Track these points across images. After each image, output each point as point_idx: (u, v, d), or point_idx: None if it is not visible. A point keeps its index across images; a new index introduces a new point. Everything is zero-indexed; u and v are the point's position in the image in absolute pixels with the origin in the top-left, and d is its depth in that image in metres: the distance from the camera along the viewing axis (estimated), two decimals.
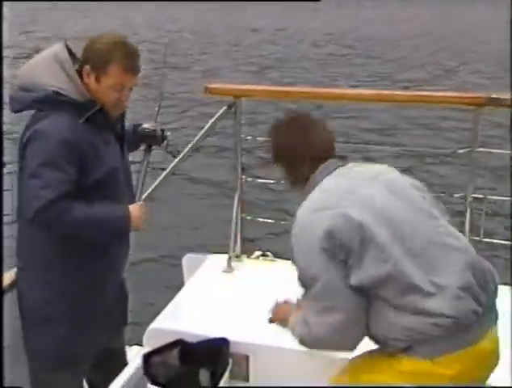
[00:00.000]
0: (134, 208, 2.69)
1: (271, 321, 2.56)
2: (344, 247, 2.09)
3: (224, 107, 3.58)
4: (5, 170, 3.45)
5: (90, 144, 2.56)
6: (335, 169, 2.30)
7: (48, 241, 2.64)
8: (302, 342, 2.29)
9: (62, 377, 2.75)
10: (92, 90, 2.59)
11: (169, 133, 3.06)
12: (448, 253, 2.14)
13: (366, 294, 2.11)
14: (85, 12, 34.23)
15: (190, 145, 3.52)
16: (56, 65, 2.57)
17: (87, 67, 2.58)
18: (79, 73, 2.60)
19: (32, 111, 2.61)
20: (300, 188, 2.38)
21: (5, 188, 2.91)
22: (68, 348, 2.73)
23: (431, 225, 2.19)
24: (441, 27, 26.16)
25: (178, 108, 13.04)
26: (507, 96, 2.95)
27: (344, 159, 2.36)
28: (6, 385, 1.95)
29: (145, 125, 3.02)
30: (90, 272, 2.71)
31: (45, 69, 2.58)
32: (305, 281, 2.19)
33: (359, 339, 2.18)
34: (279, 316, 2.50)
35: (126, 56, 2.59)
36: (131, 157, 2.97)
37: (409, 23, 26.80)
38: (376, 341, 2.21)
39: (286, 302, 2.52)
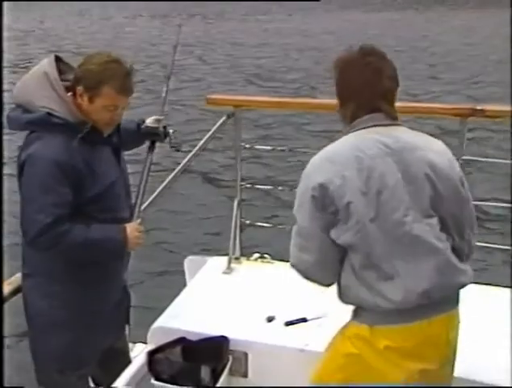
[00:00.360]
0: (131, 229, 2.64)
1: None
2: (333, 204, 2.09)
3: (224, 117, 3.57)
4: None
5: (84, 163, 2.51)
6: (373, 126, 2.18)
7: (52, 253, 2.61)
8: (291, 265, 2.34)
9: (68, 380, 2.73)
10: (85, 110, 2.54)
11: (171, 130, 3.01)
12: (425, 249, 2.12)
13: (342, 249, 2.15)
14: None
15: (191, 154, 3.51)
16: (47, 84, 2.52)
17: (80, 88, 2.51)
18: (71, 89, 2.55)
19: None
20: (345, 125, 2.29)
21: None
22: (72, 352, 2.70)
23: (423, 222, 2.12)
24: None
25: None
26: (491, 108, 2.99)
27: (391, 117, 2.21)
28: (6, 385, 1.92)
29: (148, 121, 2.96)
30: (92, 279, 2.68)
31: (37, 88, 2.53)
32: (296, 215, 2.21)
33: (330, 282, 2.25)
34: None
35: (119, 77, 2.51)
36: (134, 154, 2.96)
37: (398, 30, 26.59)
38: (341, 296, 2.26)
39: None
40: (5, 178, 3.36)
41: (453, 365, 2.27)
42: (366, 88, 2.19)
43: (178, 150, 3.03)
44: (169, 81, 3.05)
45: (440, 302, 2.14)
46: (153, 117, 2.98)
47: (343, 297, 2.24)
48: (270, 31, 26.77)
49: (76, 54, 16.45)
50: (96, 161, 2.58)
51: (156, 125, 2.95)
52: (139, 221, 2.73)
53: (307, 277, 2.30)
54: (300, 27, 28.09)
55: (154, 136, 2.96)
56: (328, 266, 2.21)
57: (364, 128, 2.18)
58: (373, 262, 2.09)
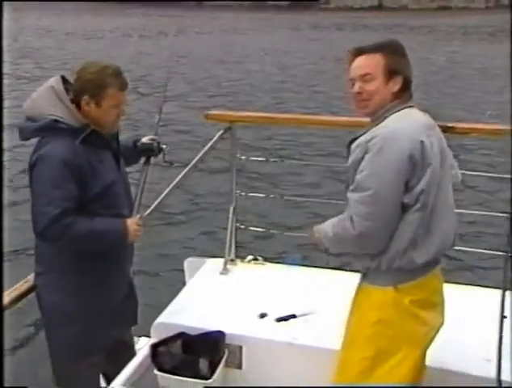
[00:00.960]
0: (131, 222, 2.69)
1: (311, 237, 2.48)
2: (414, 170, 2.15)
3: (221, 131, 3.58)
4: None
5: (87, 163, 2.58)
6: (407, 107, 2.29)
7: (62, 249, 2.66)
8: (333, 241, 2.32)
9: (80, 367, 2.75)
10: (94, 116, 2.63)
11: (164, 146, 3.07)
12: (451, 212, 2.33)
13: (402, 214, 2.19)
14: None
15: (191, 165, 3.48)
16: (54, 96, 2.60)
17: (86, 98, 2.60)
18: (75, 101, 2.63)
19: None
20: (377, 109, 2.30)
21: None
22: (83, 341, 2.73)
23: (450, 187, 2.34)
24: None
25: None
26: (460, 125, 3.06)
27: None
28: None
29: (143, 140, 3.04)
30: (100, 274, 2.73)
31: (45, 100, 2.61)
32: (363, 184, 2.17)
33: (383, 248, 2.23)
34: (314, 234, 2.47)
35: (116, 77, 2.63)
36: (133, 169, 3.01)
37: None
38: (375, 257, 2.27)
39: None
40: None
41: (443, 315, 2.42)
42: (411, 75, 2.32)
43: (171, 164, 3.11)
44: (162, 109, 3.18)
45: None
46: (148, 137, 3.08)
47: (381, 260, 2.24)
48: None
49: None
50: (98, 162, 2.64)
51: (151, 142, 3.04)
52: (138, 216, 2.78)
53: (365, 245, 2.24)
54: None
55: (149, 151, 3.04)
56: (389, 232, 2.20)
57: (405, 107, 2.28)
58: (427, 222, 2.21)
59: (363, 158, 2.19)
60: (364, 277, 2.38)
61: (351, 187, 2.23)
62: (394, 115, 2.27)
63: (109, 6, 48.01)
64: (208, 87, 17.82)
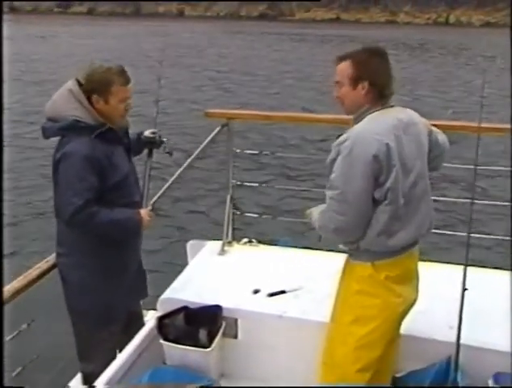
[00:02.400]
0: (144, 212, 2.75)
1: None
2: (382, 169, 2.13)
3: (219, 127, 3.56)
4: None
5: (105, 157, 2.61)
6: (385, 108, 2.25)
7: (81, 233, 2.67)
8: (319, 228, 2.30)
9: (101, 335, 2.76)
10: (104, 112, 2.63)
11: (165, 139, 3.07)
12: (426, 201, 2.31)
13: (374, 206, 2.18)
14: None
15: (191, 157, 3.48)
16: (72, 98, 2.60)
17: (95, 96, 2.60)
18: (89, 100, 2.63)
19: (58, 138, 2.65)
20: (352, 110, 2.28)
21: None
22: (103, 312, 2.75)
23: (425, 178, 2.31)
24: None
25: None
26: (443, 123, 3.00)
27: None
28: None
29: (146, 133, 3.03)
30: (115, 253, 2.74)
31: (65, 102, 2.61)
32: (334, 183, 2.18)
33: (360, 236, 2.23)
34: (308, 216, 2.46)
35: (119, 74, 2.62)
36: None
37: None
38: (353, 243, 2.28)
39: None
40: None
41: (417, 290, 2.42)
42: (391, 80, 2.28)
43: (170, 155, 3.10)
44: (158, 104, 3.19)
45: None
46: (150, 130, 3.07)
47: (360, 244, 2.24)
48: None
49: None
50: (114, 156, 2.66)
51: (152, 135, 3.03)
52: (150, 207, 2.84)
53: (342, 235, 2.26)
54: None
55: (152, 144, 3.04)
56: (363, 223, 2.20)
57: (382, 109, 2.24)
58: (397, 213, 2.20)
59: (335, 159, 2.19)
60: (349, 254, 2.39)
61: (327, 185, 2.23)
62: (368, 116, 2.23)
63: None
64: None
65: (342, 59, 2.28)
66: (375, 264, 2.26)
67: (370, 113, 2.24)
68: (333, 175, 2.19)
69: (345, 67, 2.26)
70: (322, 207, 2.30)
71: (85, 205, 2.52)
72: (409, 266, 2.37)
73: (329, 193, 2.21)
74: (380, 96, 2.25)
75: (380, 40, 30.52)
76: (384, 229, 2.21)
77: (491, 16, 54.90)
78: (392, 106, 2.29)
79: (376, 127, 2.18)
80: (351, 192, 2.15)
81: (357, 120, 2.25)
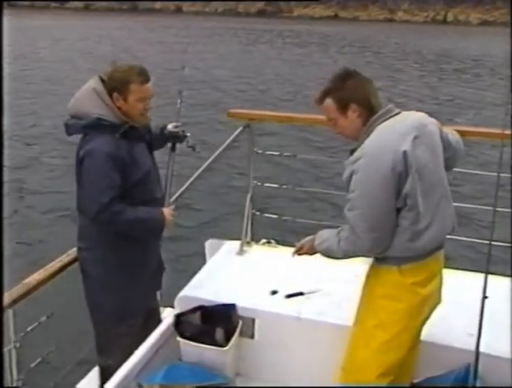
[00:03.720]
0: (167, 211, 2.76)
1: (299, 253, 2.49)
2: (400, 179, 2.12)
3: (241, 128, 3.57)
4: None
5: (128, 154, 2.63)
6: (390, 117, 2.24)
7: (103, 228, 2.68)
8: (352, 251, 2.26)
9: (120, 330, 2.79)
10: (124, 110, 2.66)
11: (188, 134, 3.09)
12: (448, 203, 2.29)
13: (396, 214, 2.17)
14: None
15: (212, 157, 3.49)
16: (95, 96, 2.64)
17: (115, 94, 2.64)
18: (110, 98, 2.66)
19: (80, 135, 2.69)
20: (356, 136, 2.28)
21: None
22: (123, 305, 2.78)
23: (445, 181, 2.29)
24: None
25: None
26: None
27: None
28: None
29: (169, 127, 3.05)
30: (136, 249, 2.77)
31: (88, 100, 2.64)
32: (356, 203, 2.16)
33: (388, 244, 2.21)
34: (306, 247, 2.45)
35: (139, 73, 2.65)
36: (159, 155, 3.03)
37: None
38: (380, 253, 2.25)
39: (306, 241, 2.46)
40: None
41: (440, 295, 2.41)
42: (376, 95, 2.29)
43: (193, 149, 3.11)
44: (182, 95, 3.16)
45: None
46: (173, 124, 3.09)
47: (387, 251, 2.23)
48: None
49: None
50: (136, 153, 2.69)
51: (176, 130, 3.05)
52: (172, 207, 2.86)
53: (375, 251, 2.24)
54: None
55: (175, 138, 3.06)
56: (390, 234, 2.18)
57: (385, 120, 2.23)
58: (418, 217, 2.18)
59: (350, 176, 2.18)
60: (375, 258, 2.37)
61: (347, 206, 2.22)
62: (377, 128, 2.22)
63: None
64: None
65: (321, 100, 2.30)
66: (401, 268, 2.25)
67: (378, 124, 2.23)
68: (351, 195, 2.18)
69: (328, 104, 2.29)
70: (332, 238, 2.28)
71: (110, 203, 2.54)
72: (435, 270, 2.35)
73: (351, 214, 2.19)
74: (372, 109, 2.25)
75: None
76: (409, 235, 2.19)
77: (489, 14, 55.07)
78: (397, 113, 2.27)
79: (389, 137, 2.18)
80: (375, 211, 2.15)
81: (366, 133, 2.24)
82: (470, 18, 55.84)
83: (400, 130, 2.19)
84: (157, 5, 62.77)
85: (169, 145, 3.10)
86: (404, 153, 2.12)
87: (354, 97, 2.24)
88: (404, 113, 2.29)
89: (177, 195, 3.15)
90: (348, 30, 40.91)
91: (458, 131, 2.53)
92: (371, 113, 2.24)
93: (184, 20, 45.15)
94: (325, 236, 2.35)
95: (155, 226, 2.76)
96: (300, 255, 2.49)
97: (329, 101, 2.28)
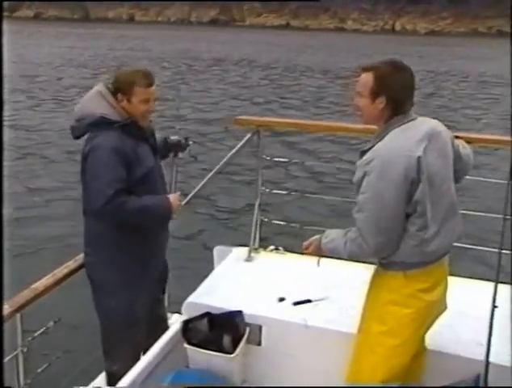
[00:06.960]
0: (173, 198, 2.77)
1: (306, 252, 2.45)
2: (412, 185, 2.12)
3: (249, 134, 3.55)
4: None
5: (132, 150, 2.68)
6: (408, 121, 2.22)
7: (108, 231, 2.73)
8: (357, 253, 2.26)
9: (125, 334, 2.80)
10: (127, 110, 2.72)
11: (190, 143, 3.13)
12: (454, 210, 2.28)
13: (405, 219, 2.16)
14: None
15: (220, 164, 3.48)
16: (100, 97, 2.73)
17: (119, 95, 2.72)
18: (115, 99, 2.73)
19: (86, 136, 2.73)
20: (369, 122, 2.28)
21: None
22: (128, 309, 2.78)
23: (452, 187, 2.28)
24: None
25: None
26: (463, 135, 2.92)
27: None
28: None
29: (172, 137, 3.11)
30: (141, 253, 2.78)
31: (93, 102, 2.73)
32: (366, 205, 2.15)
33: (395, 249, 2.20)
34: (313, 245, 2.41)
35: (143, 76, 2.72)
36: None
37: None
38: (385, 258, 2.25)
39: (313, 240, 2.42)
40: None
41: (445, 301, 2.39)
42: (411, 95, 2.25)
43: (195, 159, 3.17)
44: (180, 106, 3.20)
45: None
46: (175, 137, 3.12)
47: (393, 256, 2.22)
48: None
49: None
50: (140, 151, 2.73)
51: (179, 138, 3.10)
52: (179, 192, 2.89)
53: (381, 254, 2.24)
54: None
55: (178, 147, 3.11)
56: (398, 238, 2.18)
57: (403, 123, 2.22)
58: (427, 224, 2.17)
59: (363, 178, 2.17)
60: (380, 264, 2.36)
61: (356, 208, 2.20)
62: (392, 132, 2.21)
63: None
64: None
65: (365, 70, 2.26)
66: (406, 274, 2.24)
67: (394, 128, 2.21)
68: (362, 196, 2.17)
69: (366, 79, 2.24)
70: (339, 239, 2.27)
71: (115, 195, 2.57)
72: (440, 276, 2.34)
73: (360, 216, 2.18)
74: (398, 112, 2.22)
75: None
76: (416, 240, 2.19)
77: (435, 24, 55.88)
78: (414, 118, 2.26)
79: (405, 142, 2.17)
80: (384, 214, 2.14)
81: (380, 136, 2.23)
82: (417, 28, 56.49)
83: (414, 136, 2.18)
84: (111, 13, 61.90)
85: (171, 154, 3.14)
86: (419, 159, 2.11)
87: (392, 92, 2.20)
88: (419, 119, 2.28)
89: (185, 201, 3.15)
90: (296, 39, 40.40)
91: (468, 138, 2.52)
92: (395, 114, 2.22)
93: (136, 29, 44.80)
94: (332, 236, 2.34)
95: (162, 213, 2.75)
96: (306, 254, 2.46)
97: (369, 77, 2.22)
